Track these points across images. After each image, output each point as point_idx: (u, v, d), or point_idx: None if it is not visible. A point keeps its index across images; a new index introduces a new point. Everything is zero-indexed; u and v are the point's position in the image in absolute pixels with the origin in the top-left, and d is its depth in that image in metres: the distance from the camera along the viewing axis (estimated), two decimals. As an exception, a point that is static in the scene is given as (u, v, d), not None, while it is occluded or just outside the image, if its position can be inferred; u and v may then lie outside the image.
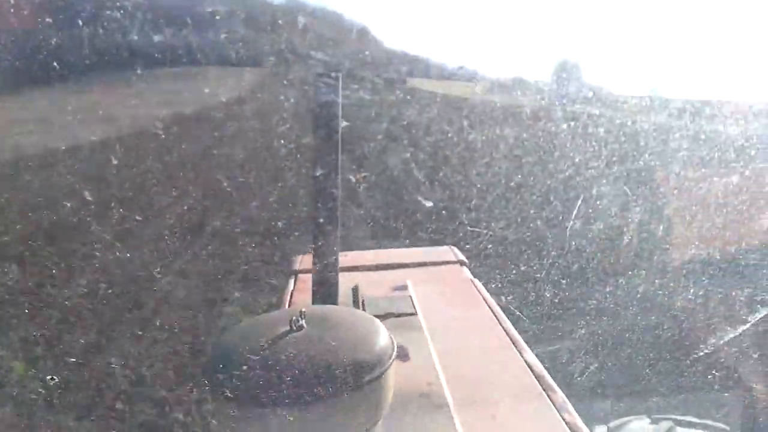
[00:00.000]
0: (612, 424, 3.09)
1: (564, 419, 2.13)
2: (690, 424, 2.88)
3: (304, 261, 3.71)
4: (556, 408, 2.20)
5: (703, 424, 2.92)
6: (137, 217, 8.68)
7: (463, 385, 2.32)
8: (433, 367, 2.41)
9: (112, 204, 8.99)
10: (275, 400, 1.43)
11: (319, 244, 2.40)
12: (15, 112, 12.22)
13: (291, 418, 1.44)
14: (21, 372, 5.36)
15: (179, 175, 10.54)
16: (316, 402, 1.44)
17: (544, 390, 2.32)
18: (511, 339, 2.74)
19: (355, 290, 3.04)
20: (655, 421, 2.99)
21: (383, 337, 1.64)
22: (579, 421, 2.13)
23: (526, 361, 2.54)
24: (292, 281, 3.43)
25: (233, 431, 1.52)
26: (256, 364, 1.47)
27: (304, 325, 1.59)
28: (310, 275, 3.19)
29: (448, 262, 3.77)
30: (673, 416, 3.06)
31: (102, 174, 10.45)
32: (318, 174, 2.27)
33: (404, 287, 3.22)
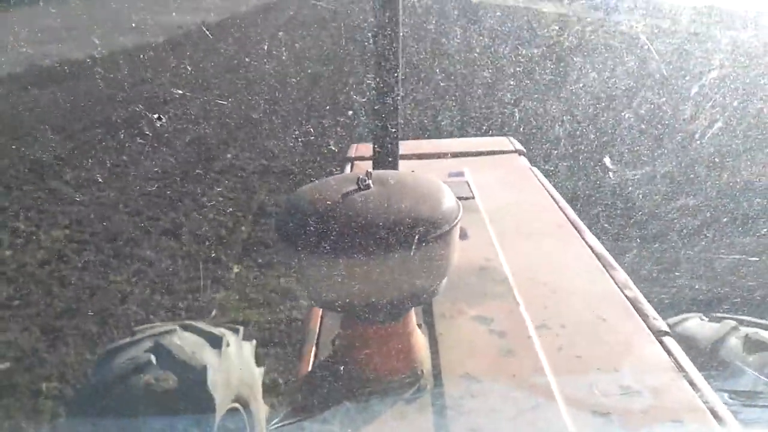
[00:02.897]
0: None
1: (626, 296, 2.15)
2: (752, 323, 2.69)
3: (359, 149, 3.68)
4: (618, 285, 2.23)
5: (765, 324, 2.73)
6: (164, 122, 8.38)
7: (523, 263, 2.36)
8: (491, 245, 2.47)
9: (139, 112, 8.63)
10: (345, 250, 1.46)
11: (380, 127, 2.42)
12: (40, 20, 11.92)
13: (360, 268, 1.48)
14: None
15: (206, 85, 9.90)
16: (384, 253, 1.47)
17: (605, 268, 2.35)
18: (570, 222, 2.75)
19: None
20: (714, 320, 2.77)
21: (449, 197, 1.63)
22: (641, 297, 2.14)
23: (586, 242, 2.57)
24: (348, 168, 3.45)
25: (303, 279, 1.61)
26: (328, 216, 1.51)
27: (371, 184, 1.61)
28: (364, 162, 3.29)
29: (505, 152, 3.73)
30: (730, 315, 2.84)
31: (126, 83, 9.99)
32: (380, 61, 2.27)
33: (461, 173, 3.20)
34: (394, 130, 2.44)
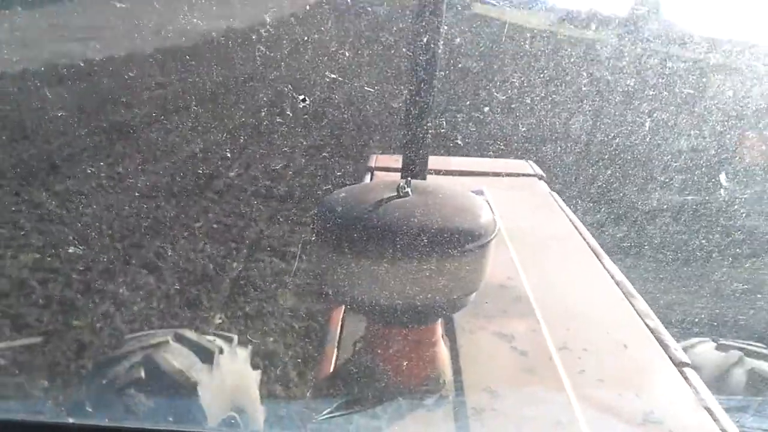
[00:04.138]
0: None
1: (647, 325, 2.24)
2: (759, 355, 2.69)
3: (379, 160, 3.83)
4: (639, 314, 2.31)
5: None
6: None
7: (544, 284, 2.45)
8: (512, 264, 2.57)
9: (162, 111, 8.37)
10: (383, 254, 1.54)
11: (411, 139, 2.50)
12: (64, 19, 11.91)
13: (396, 272, 1.56)
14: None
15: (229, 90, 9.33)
16: (421, 260, 1.55)
17: (625, 296, 2.44)
18: (590, 248, 2.85)
19: None
20: (721, 348, 2.80)
21: (486, 211, 1.72)
22: (661, 327, 2.22)
23: (606, 269, 2.66)
24: (368, 177, 3.56)
25: (339, 280, 1.68)
26: (368, 220, 1.59)
27: (410, 192, 1.70)
28: (384, 173, 3.51)
29: (525, 175, 3.85)
30: (739, 342, 2.84)
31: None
32: (416, 71, 2.34)
33: (480, 192, 3.15)
34: (424, 142, 2.48)
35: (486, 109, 8.35)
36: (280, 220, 6.01)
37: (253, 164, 7.41)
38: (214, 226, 5.83)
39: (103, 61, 10.63)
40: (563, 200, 3.47)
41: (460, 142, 6.44)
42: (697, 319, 4.06)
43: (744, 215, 5.31)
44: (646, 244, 5.01)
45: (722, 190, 5.53)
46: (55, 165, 7.00)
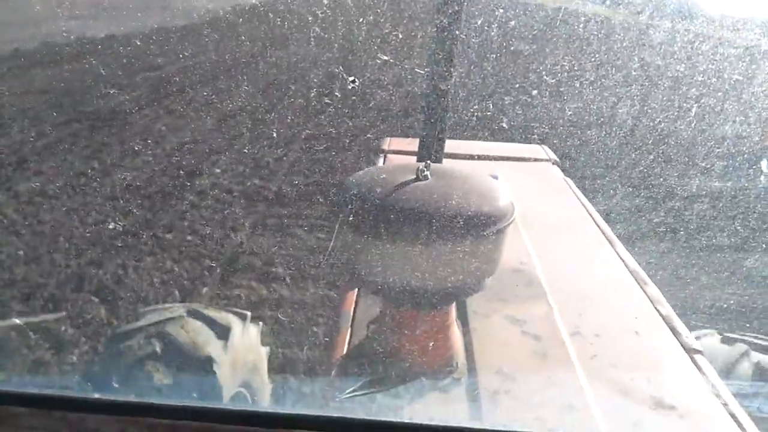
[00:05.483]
0: None
1: (660, 312, 2.29)
2: (765, 349, 2.69)
3: (392, 143, 3.94)
4: (651, 301, 2.36)
5: None
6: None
7: (557, 270, 2.52)
8: (525, 249, 2.66)
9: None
10: (403, 237, 1.65)
11: (428, 122, 2.60)
12: None
13: (415, 256, 1.66)
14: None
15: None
16: (440, 243, 1.65)
17: (638, 283, 2.50)
18: (604, 235, 2.92)
19: None
20: (726, 341, 2.78)
21: (505, 195, 1.77)
22: (673, 314, 2.26)
23: (619, 256, 2.72)
24: (381, 160, 3.65)
25: (360, 262, 1.76)
26: (388, 203, 1.67)
27: (429, 175, 1.75)
28: (397, 156, 3.64)
29: (539, 160, 3.93)
30: (746, 335, 2.83)
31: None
32: (435, 57, 2.45)
33: (495, 177, 3.15)
34: (441, 126, 2.56)
35: (534, 92, 8.32)
36: (267, 229, 5.34)
37: (243, 158, 6.80)
38: (188, 238, 5.17)
39: (101, 40, 10.01)
40: (578, 186, 3.55)
41: (505, 125, 6.37)
42: (725, 305, 4.12)
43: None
44: (681, 229, 5.04)
45: (762, 177, 5.57)
46: (23, 159, 6.43)
